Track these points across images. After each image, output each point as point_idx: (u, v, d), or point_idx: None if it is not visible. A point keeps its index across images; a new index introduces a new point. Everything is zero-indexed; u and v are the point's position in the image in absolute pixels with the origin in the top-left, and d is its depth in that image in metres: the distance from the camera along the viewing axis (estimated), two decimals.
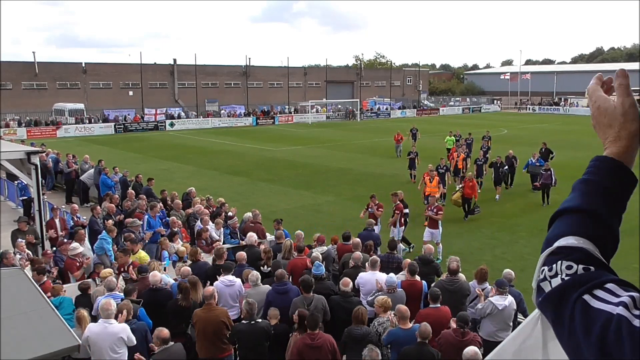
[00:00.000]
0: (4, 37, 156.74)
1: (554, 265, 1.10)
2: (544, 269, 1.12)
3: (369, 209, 14.22)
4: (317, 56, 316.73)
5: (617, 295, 1.01)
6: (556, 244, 1.14)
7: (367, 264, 9.05)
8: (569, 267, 1.09)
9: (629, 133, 1.23)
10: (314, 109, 61.93)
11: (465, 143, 26.78)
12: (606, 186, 1.21)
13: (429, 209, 14.11)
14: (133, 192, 15.30)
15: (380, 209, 14.13)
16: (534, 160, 21.56)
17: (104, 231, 11.30)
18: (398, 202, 14.09)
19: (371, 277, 8.67)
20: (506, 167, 20.85)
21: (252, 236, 10.83)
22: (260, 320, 7.26)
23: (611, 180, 1.21)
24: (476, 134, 29.48)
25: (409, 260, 9.47)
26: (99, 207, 13.87)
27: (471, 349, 6.04)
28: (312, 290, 7.83)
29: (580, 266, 1.09)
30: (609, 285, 1.04)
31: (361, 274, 8.80)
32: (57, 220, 12.93)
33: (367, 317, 7.33)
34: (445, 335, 6.86)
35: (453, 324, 7.01)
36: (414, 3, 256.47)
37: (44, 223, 12.10)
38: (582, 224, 1.18)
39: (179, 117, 53.58)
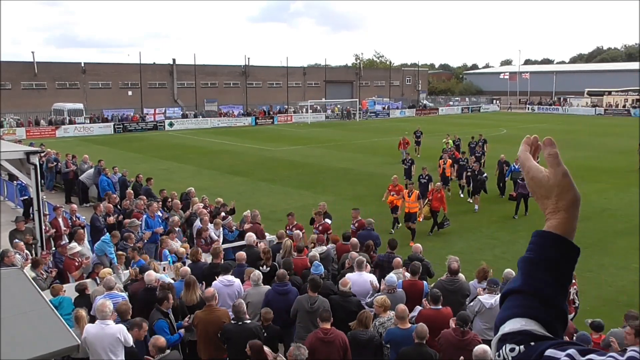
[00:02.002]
0: (4, 37, 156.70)
1: (501, 351, 1.17)
2: (496, 354, 1.19)
3: (288, 231, 12.29)
4: (316, 56, 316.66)
5: (557, 359, 1.08)
6: (501, 331, 1.21)
7: (354, 265, 9.00)
8: (512, 350, 1.15)
9: (566, 204, 1.25)
10: (304, 110, 62.08)
11: (469, 147, 25.23)
12: (547, 263, 1.24)
13: (353, 223, 12.92)
14: (132, 192, 15.31)
15: (302, 230, 12.10)
16: (516, 166, 19.60)
17: (107, 234, 11.24)
18: (323, 220, 12.66)
19: (358, 278, 8.64)
20: (485, 174, 19.24)
21: (251, 236, 10.81)
22: (249, 321, 7.24)
23: (553, 256, 1.23)
24: (473, 134, 29.38)
25: (399, 260, 9.45)
26: (101, 205, 13.87)
27: (480, 348, 6.04)
28: (318, 290, 7.82)
29: (522, 347, 1.15)
30: (549, 352, 1.10)
31: (348, 275, 8.74)
32: (60, 220, 12.92)
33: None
34: (445, 335, 6.87)
35: (452, 324, 7.02)
36: (413, 3, 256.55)
37: (42, 223, 12.08)
38: (525, 305, 1.22)
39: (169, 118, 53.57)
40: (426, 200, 16.21)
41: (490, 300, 7.77)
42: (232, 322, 7.18)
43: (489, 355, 5.88)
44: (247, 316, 7.36)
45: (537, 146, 1.36)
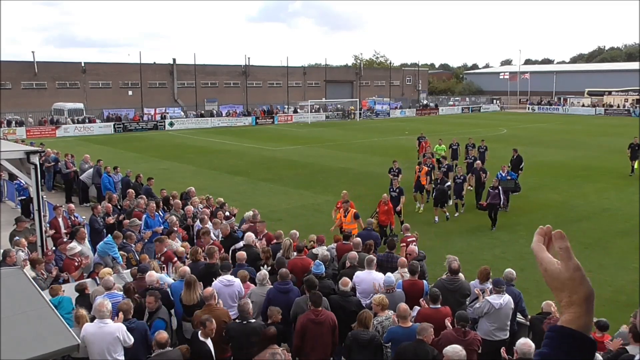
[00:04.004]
0: (3, 37, 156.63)
1: None
2: None
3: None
4: (316, 56, 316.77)
5: None
6: None
7: (364, 263, 9.03)
8: None
9: (579, 297, 1.26)
10: (302, 109, 62.16)
11: (479, 151, 23.36)
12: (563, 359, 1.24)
13: (259, 238, 11.43)
14: (133, 191, 15.31)
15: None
16: (504, 174, 18.43)
17: (109, 235, 11.21)
18: (209, 241, 10.66)
19: (367, 276, 8.66)
20: (447, 184, 17.77)
21: (250, 236, 10.79)
22: (253, 320, 7.24)
23: (568, 352, 1.24)
24: (475, 134, 29.31)
25: (403, 259, 9.45)
26: (99, 205, 13.88)
27: (452, 348, 6.05)
28: (315, 289, 7.82)
29: None
30: None
31: (357, 273, 8.79)
32: (60, 220, 12.92)
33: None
34: (446, 335, 6.83)
35: (447, 323, 6.99)
36: (413, 3, 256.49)
37: (43, 223, 12.07)
38: None
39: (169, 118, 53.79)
40: (373, 213, 14.70)
41: (499, 300, 7.74)
42: (237, 321, 7.20)
43: (461, 354, 5.89)
44: (252, 315, 7.36)
45: (550, 236, 1.36)
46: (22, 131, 43.09)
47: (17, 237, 10.94)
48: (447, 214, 17.59)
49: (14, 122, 45.56)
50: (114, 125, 48.77)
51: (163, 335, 6.55)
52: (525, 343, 6.27)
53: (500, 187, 16.65)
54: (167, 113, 53.93)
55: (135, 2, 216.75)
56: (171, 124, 51.74)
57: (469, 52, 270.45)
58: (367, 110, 65.82)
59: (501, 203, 16.63)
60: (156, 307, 7.55)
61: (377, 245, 11.27)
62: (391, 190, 16.30)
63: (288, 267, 9.22)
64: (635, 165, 24.34)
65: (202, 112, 57.56)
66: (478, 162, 19.77)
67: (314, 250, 10.16)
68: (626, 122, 54.54)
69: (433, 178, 18.75)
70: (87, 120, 48.36)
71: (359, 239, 10.44)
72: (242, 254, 9.66)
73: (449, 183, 18.11)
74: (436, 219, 17.25)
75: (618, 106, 68.73)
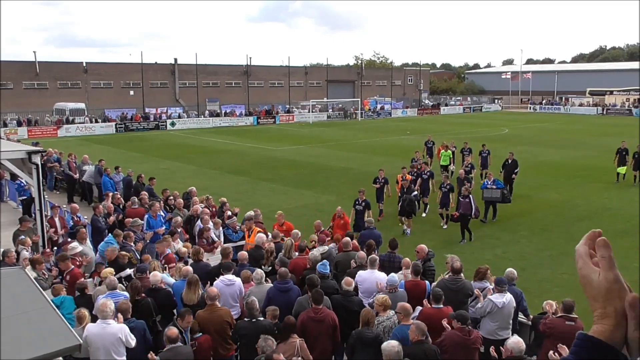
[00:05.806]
0: (3, 37, 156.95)
1: None
2: None
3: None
4: (317, 56, 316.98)
5: None
6: None
7: (367, 263, 9.04)
8: None
9: (614, 310, 1.20)
10: (303, 109, 62.44)
11: (481, 156, 22.68)
12: None
13: (161, 258, 10.33)
14: (146, 193, 15.28)
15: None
16: (489, 182, 17.04)
17: (110, 235, 11.22)
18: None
19: (370, 276, 8.67)
20: (414, 192, 16.56)
21: (261, 237, 10.79)
22: (262, 318, 7.26)
23: None
24: (476, 134, 29.24)
25: (408, 260, 9.44)
26: (100, 205, 13.90)
27: (388, 344, 6.07)
28: (317, 288, 7.81)
29: None
30: None
31: (360, 272, 8.80)
32: (56, 219, 12.93)
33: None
34: (450, 335, 6.80)
35: (445, 323, 6.97)
36: (413, 3, 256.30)
37: (45, 223, 12.08)
38: None
39: (178, 117, 54.02)
40: (327, 227, 13.06)
41: (501, 299, 7.72)
42: (246, 319, 7.23)
43: (396, 351, 5.88)
44: (260, 313, 7.36)
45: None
46: (24, 131, 43.14)
47: (21, 237, 10.94)
48: (409, 229, 15.96)
49: (33, 121, 46.03)
50: (116, 125, 48.79)
51: (173, 330, 6.60)
52: (517, 342, 6.26)
53: (471, 196, 15.18)
54: (183, 113, 54.89)
55: (135, 2, 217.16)
56: (173, 124, 51.77)
57: (470, 52, 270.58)
58: (369, 110, 65.85)
59: (472, 213, 15.06)
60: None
61: (378, 244, 11.25)
62: (357, 203, 14.88)
63: (289, 266, 9.23)
64: (622, 171, 22.92)
65: (217, 111, 57.78)
66: (461, 171, 18.50)
67: (314, 250, 10.16)
68: (627, 122, 54.46)
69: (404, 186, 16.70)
70: (101, 120, 48.99)
71: (347, 239, 10.43)
72: (244, 254, 9.69)
73: (415, 192, 16.73)
74: (407, 231, 15.85)
75: (619, 106, 68.57)
